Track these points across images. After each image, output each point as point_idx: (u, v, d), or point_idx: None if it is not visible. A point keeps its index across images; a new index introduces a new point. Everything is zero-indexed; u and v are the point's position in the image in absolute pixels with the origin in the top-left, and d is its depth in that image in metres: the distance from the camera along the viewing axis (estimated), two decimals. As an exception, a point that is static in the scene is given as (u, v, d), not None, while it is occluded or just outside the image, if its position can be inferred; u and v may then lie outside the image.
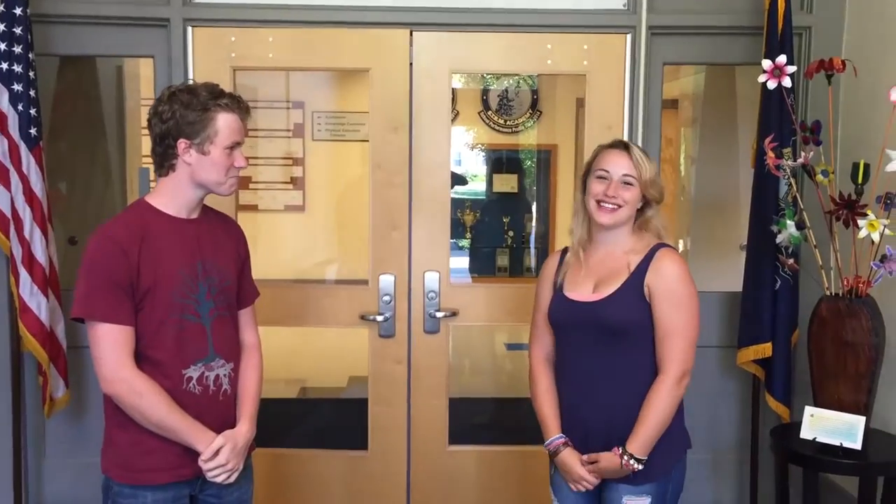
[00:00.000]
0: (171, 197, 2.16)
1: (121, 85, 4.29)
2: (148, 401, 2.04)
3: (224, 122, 2.11)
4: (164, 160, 2.14)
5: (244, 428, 2.20)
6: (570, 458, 2.29)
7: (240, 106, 2.16)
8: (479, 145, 6.11)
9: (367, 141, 3.42)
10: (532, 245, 6.02)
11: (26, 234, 3.01)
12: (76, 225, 3.95)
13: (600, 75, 3.37)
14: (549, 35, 3.35)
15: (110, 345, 2.02)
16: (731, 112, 4.48)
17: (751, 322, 3.16)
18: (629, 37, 3.34)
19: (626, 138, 3.19)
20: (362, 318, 3.38)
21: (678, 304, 2.20)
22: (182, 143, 2.10)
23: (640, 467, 2.19)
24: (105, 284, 2.02)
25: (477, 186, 6.14)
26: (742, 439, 3.49)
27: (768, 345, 3.12)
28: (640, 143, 3.15)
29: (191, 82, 2.26)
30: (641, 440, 2.18)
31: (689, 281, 2.23)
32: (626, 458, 2.18)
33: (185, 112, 2.08)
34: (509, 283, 5.71)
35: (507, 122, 5.98)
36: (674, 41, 3.38)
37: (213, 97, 2.11)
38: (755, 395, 3.34)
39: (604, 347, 2.24)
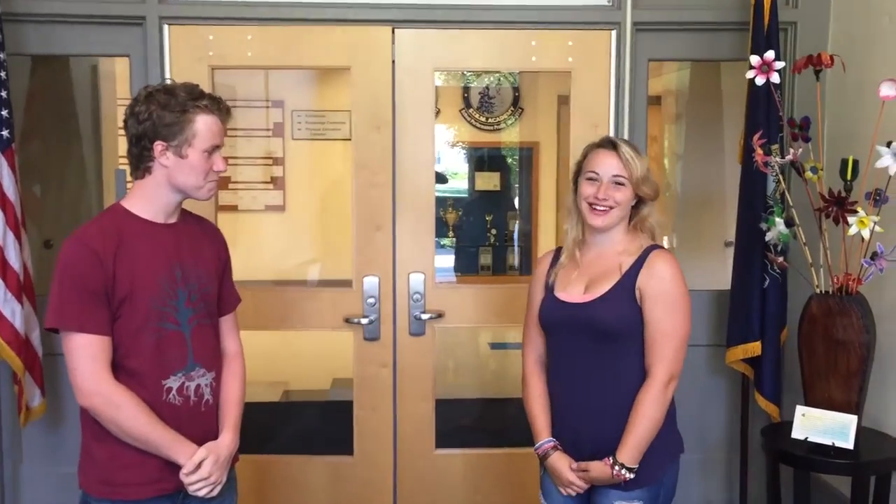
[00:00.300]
0: (148, 201, 2.09)
1: (96, 85, 4.22)
2: (126, 413, 1.97)
3: (203, 124, 2.04)
4: (140, 162, 2.06)
5: (227, 439, 2.14)
6: (560, 462, 2.25)
7: (220, 107, 2.08)
8: (461, 143, 6.06)
9: (349, 139, 3.37)
10: (515, 243, 5.98)
11: (-1, 238, 2.93)
12: (51, 228, 3.87)
13: (585, 72, 3.34)
14: (534, 32, 3.32)
15: (86, 356, 1.95)
16: (716, 108, 4.46)
17: (739, 321, 3.14)
18: (614, 33, 3.32)
19: (612, 135, 3.16)
20: (346, 321, 3.32)
21: (671, 307, 2.16)
22: (159, 146, 2.03)
23: (632, 476, 2.15)
24: (79, 293, 1.95)
25: (459, 184, 6.09)
26: (732, 439, 3.47)
27: (757, 343, 3.09)
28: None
29: (169, 82, 2.19)
30: (631, 448, 2.14)
31: (682, 283, 2.19)
32: (616, 468, 2.14)
33: (163, 113, 2.01)
34: (493, 282, 5.67)
35: (489, 120, 5.93)
36: (659, 37, 3.36)
37: (191, 98, 2.03)
38: (744, 394, 3.32)
39: (594, 349, 2.20)
